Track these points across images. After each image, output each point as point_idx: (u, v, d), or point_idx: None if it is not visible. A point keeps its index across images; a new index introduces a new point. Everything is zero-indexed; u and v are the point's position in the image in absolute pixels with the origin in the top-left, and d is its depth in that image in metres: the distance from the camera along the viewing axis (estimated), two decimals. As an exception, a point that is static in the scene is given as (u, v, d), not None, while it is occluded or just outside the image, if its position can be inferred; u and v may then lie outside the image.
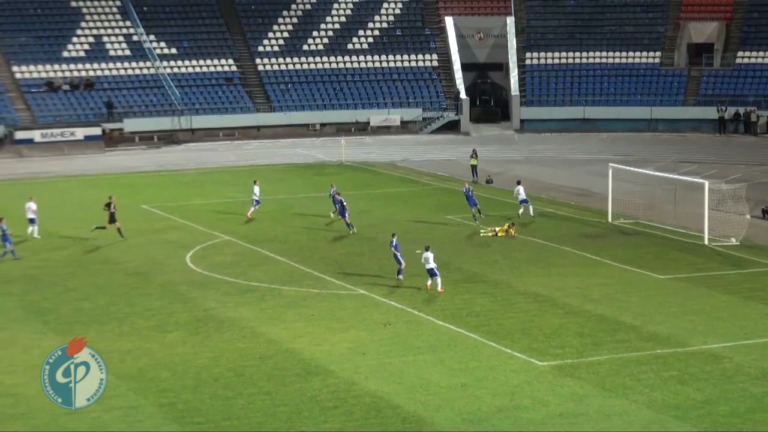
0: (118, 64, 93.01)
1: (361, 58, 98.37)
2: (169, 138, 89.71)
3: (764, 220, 56.81)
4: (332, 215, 56.57)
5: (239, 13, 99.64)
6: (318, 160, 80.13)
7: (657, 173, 61.61)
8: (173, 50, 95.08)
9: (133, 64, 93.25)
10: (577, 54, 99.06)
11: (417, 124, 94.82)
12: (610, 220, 56.52)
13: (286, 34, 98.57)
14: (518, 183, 58.02)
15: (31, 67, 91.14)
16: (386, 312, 40.17)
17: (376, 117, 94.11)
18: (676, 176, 59.48)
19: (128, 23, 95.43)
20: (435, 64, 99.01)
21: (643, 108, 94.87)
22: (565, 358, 34.79)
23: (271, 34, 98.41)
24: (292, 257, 49.03)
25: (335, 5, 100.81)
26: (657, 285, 44.15)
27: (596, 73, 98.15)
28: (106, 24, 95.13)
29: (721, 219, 52.80)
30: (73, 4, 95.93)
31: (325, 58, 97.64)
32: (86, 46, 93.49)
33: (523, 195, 57.01)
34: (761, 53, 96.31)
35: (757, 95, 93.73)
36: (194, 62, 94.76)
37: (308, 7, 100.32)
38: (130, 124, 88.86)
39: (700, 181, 54.44)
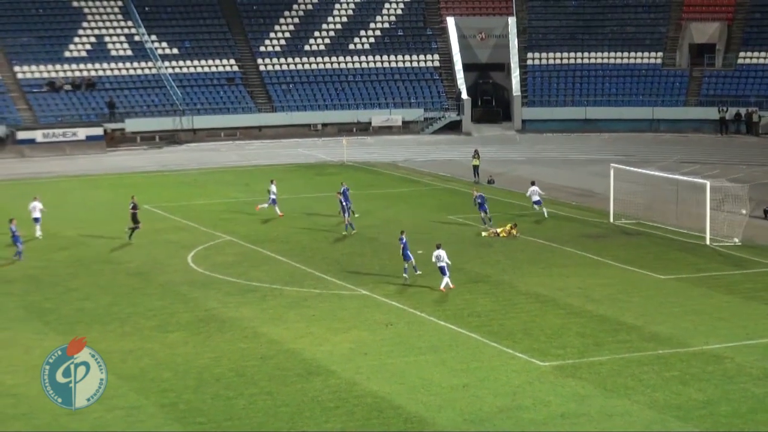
0: (120, 64, 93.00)
1: (363, 58, 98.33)
2: (170, 138, 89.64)
3: (765, 220, 56.78)
4: (353, 214, 55.52)
5: (241, 13, 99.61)
6: (319, 160, 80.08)
7: (658, 173, 61.57)
8: (175, 50, 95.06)
9: (135, 64, 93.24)
10: (579, 54, 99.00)
11: (418, 124, 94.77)
12: (611, 220, 56.49)
13: (287, 34, 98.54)
14: (532, 183, 57.88)
15: (33, 67, 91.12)
16: (388, 312, 40.16)
17: (378, 117, 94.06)
18: (677, 176, 59.44)
19: (130, 23, 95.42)
20: (436, 64, 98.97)
21: (645, 108, 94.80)
22: (567, 358, 34.77)
23: (272, 34, 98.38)
24: (293, 257, 49.01)
25: (337, 5, 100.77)
26: (658, 285, 44.12)
27: (598, 73, 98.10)
28: (108, 24, 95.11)
29: (722, 219, 52.77)
30: (75, 4, 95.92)
31: (326, 58, 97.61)
32: (88, 46, 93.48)
33: (536, 196, 56.96)
34: (763, 54, 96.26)
35: (758, 96, 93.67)
36: (196, 62, 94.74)
37: (310, 7, 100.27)
38: (131, 124, 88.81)
39: (702, 181, 54.43)
